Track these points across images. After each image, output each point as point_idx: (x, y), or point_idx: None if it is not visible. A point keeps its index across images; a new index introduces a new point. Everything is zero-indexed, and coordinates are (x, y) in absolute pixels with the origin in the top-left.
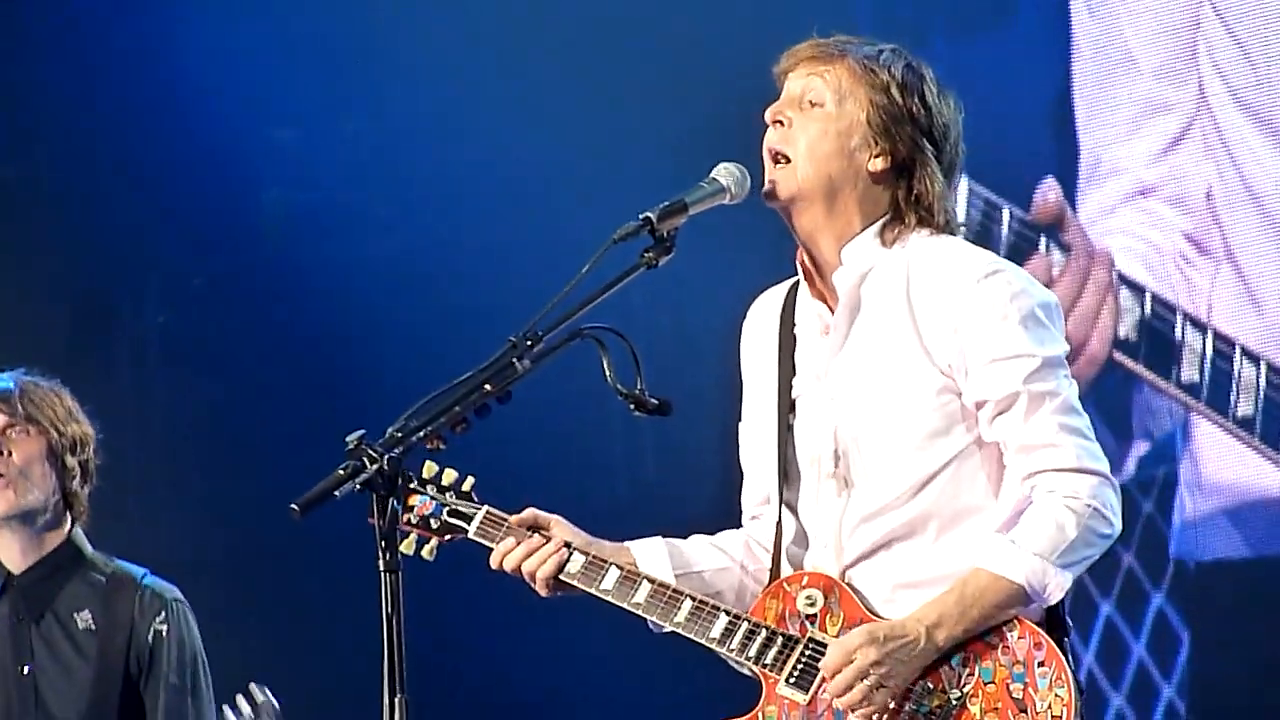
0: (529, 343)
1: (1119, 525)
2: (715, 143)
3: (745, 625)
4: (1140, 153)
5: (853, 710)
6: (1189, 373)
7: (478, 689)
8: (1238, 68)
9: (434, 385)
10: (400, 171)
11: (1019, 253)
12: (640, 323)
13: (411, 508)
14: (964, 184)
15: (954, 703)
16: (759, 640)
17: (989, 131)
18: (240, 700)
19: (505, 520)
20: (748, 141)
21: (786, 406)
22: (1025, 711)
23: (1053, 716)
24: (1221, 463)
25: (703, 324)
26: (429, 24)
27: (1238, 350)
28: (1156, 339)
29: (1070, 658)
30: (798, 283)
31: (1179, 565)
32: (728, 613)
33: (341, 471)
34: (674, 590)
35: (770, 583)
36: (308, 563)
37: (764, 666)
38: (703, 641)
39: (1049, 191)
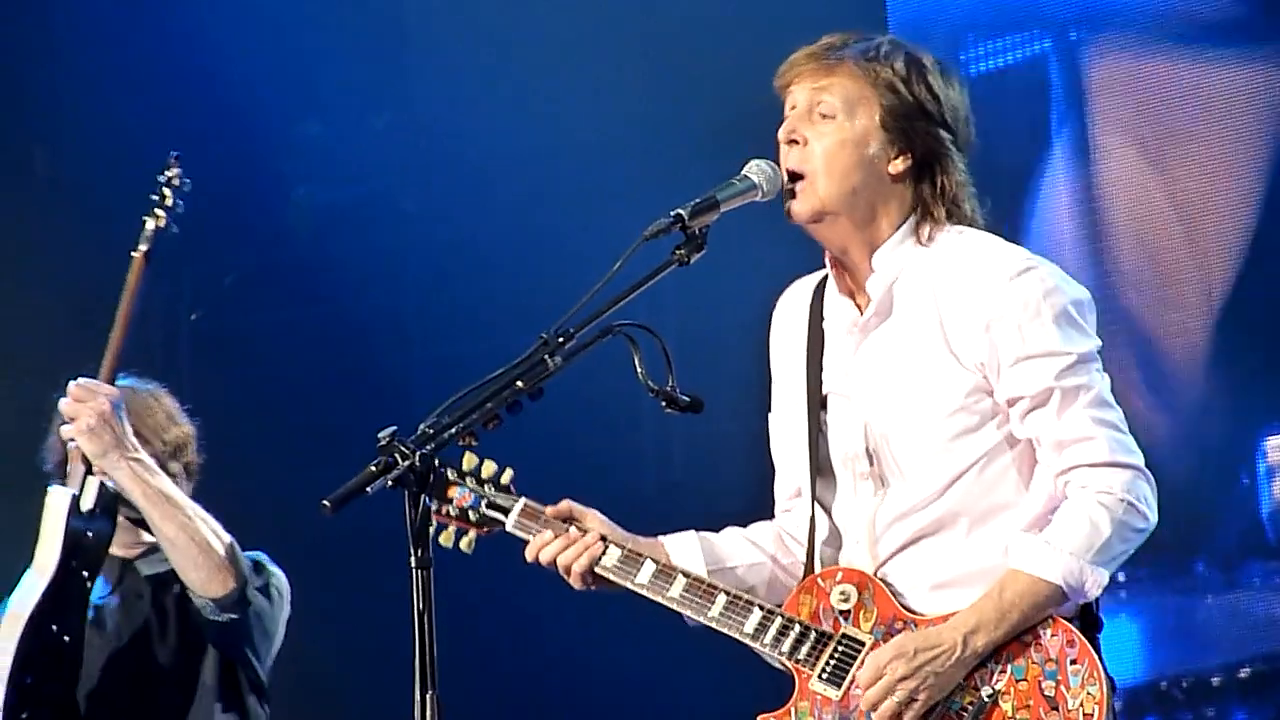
0: (560, 339)
1: (1154, 518)
2: (747, 139)
3: (779, 620)
4: None
5: None
6: None
7: (507, 685)
8: None
9: (465, 381)
10: (430, 167)
11: None
12: (671, 320)
13: (450, 500)
14: None
15: (986, 700)
16: (792, 636)
17: None
18: None
19: (542, 513)
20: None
21: (817, 404)
22: (1057, 709)
23: (1084, 714)
24: None
25: (734, 320)
26: (458, 20)
27: None
28: None
29: (1102, 654)
30: (828, 275)
31: None
32: (761, 608)
33: (373, 468)
34: (709, 585)
35: (804, 578)
36: (339, 559)
37: (797, 662)
38: (736, 636)
39: None
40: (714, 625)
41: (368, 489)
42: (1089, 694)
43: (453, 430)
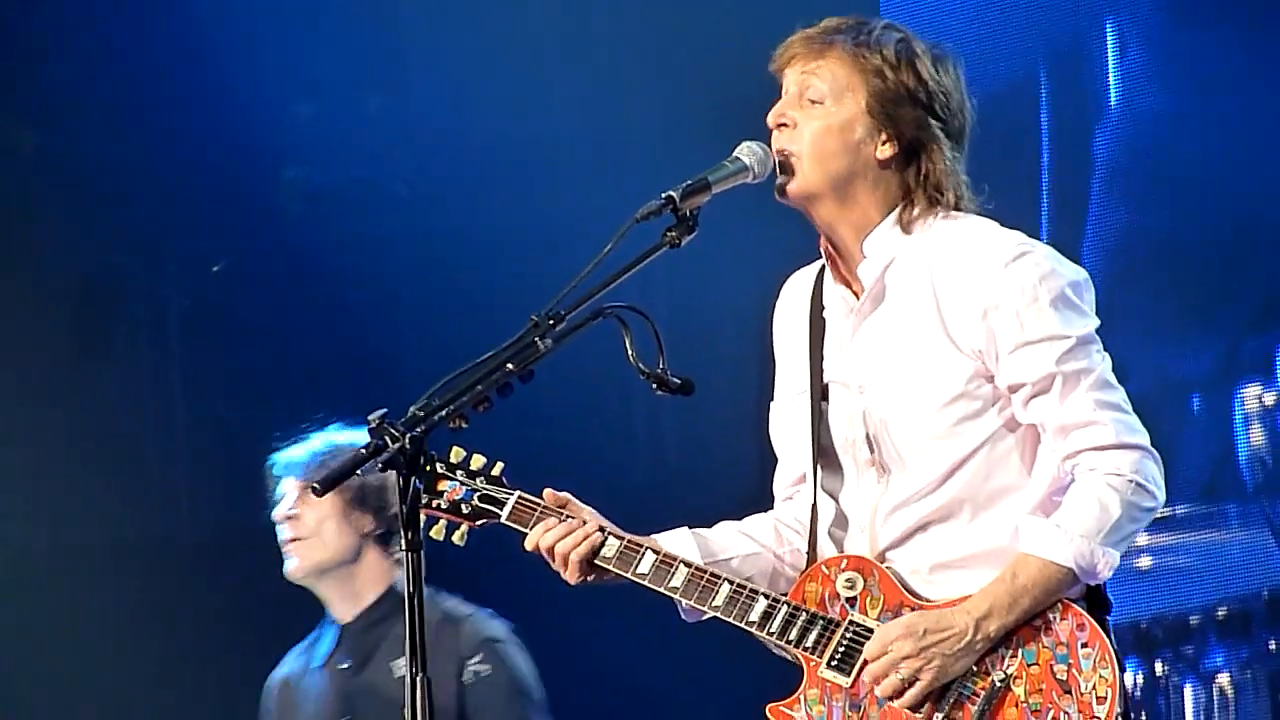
0: (551, 321)
1: (1162, 497)
2: (744, 123)
3: (785, 608)
4: None
5: (889, 700)
6: None
7: None
8: None
9: (455, 364)
10: (420, 151)
11: None
12: (662, 302)
13: (440, 493)
14: None
15: (998, 685)
16: (799, 623)
17: None
18: None
19: (539, 505)
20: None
21: (819, 392)
22: (1070, 693)
23: (1097, 697)
24: None
25: (726, 304)
26: (450, 1)
27: None
28: None
29: (1112, 637)
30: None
31: None
32: (767, 596)
33: (363, 450)
34: (712, 574)
35: (808, 566)
36: None
37: (805, 650)
38: (741, 625)
39: None
40: (718, 614)
41: (357, 471)
42: (1101, 676)
43: (443, 413)
